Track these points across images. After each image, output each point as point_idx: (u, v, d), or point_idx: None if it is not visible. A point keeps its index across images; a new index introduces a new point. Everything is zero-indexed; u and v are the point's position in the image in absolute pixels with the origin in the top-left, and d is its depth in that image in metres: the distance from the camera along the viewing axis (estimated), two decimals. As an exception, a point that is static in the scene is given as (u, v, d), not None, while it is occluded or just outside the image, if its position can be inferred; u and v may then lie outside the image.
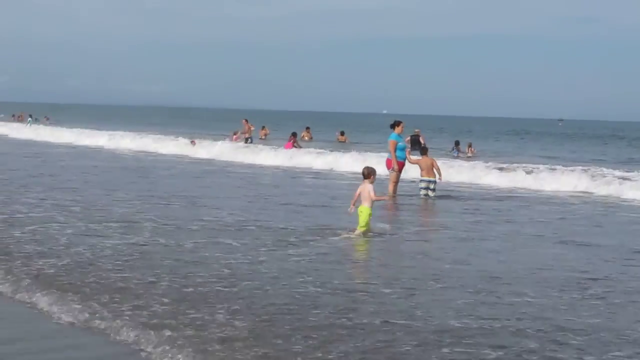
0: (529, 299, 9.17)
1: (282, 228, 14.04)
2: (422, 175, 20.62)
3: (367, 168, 13.94)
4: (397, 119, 21.65)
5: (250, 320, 8.01)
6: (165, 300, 8.73)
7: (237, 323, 7.88)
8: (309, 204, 18.21)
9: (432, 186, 20.37)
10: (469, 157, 37.73)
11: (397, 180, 20.91)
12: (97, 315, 8.22)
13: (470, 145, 41.26)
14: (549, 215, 17.56)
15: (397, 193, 20.68)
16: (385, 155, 22.32)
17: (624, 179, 23.73)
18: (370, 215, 13.38)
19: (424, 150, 21.33)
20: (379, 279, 10.16)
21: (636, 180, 23.33)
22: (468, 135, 64.81)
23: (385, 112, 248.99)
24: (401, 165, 20.85)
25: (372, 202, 13.40)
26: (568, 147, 57.39)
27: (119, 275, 9.92)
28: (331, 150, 34.82)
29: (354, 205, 13.60)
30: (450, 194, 21.40)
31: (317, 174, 27.60)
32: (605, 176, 24.55)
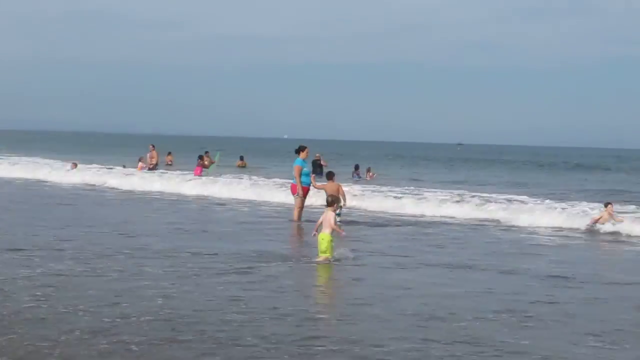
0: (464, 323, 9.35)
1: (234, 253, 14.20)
2: (327, 200, 20.53)
3: (331, 196, 14.43)
4: (302, 144, 21.75)
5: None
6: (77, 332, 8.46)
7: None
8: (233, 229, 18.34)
9: (337, 211, 20.32)
10: (368, 181, 38.09)
11: (302, 206, 20.95)
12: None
13: (369, 170, 41.64)
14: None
15: (302, 219, 20.65)
16: (290, 180, 22.30)
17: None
18: (331, 241, 13.64)
19: (329, 175, 21.33)
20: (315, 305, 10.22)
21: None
22: (365, 160, 65.44)
23: (286, 136, 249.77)
24: (306, 191, 20.90)
25: (332, 229, 13.64)
26: (463, 172, 58.52)
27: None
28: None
29: (316, 231, 13.86)
30: (353, 220, 21.44)
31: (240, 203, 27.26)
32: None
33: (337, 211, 20.49)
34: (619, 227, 20.19)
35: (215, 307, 9.83)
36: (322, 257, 13.65)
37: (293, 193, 21.20)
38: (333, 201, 14.18)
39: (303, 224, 20.22)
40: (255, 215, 22.53)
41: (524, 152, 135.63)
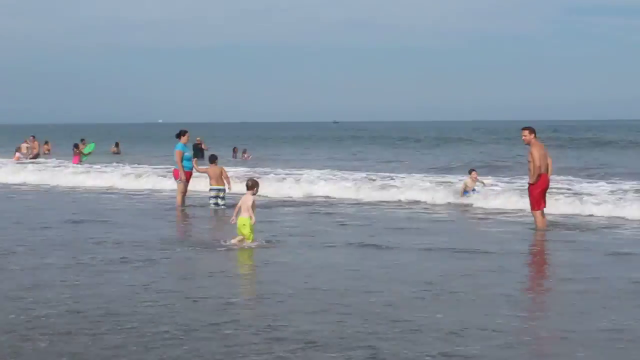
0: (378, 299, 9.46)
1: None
2: (211, 184, 20.46)
3: (251, 180, 14.07)
4: (183, 129, 21.50)
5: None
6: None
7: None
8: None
9: (221, 194, 20.27)
10: (244, 162, 38.18)
11: (185, 191, 20.77)
12: None
13: (245, 152, 41.56)
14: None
15: (186, 204, 20.53)
16: (172, 166, 22.05)
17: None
18: (252, 225, 13.39)
19: (212, 159, 21.18)
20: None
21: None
22: (243, 141, 65.34)
23: (160, 121, 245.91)
24: (188, 175, 20.72)
25: (253, 212, 13.42)
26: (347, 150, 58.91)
27: None
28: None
29: (235, 216, 13.57)
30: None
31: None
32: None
33: (222, 194, 20.55)
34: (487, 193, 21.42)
35: (126, 297, 9.60)
36: (237, 239, 13.50)
37: (175, 178, 21.02)
38: (253, 185, 13.90)
39: (188, 208, 20.13)
40: (148, 203, 22.21)
41: (399, 129, 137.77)
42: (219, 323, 8.38)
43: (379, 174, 28.66)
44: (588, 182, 24.98)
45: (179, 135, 20.97)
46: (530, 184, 15.99)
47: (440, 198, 21.94)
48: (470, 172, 22.55)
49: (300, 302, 9.41)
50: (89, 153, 40.70)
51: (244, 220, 13.47)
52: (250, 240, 13.47)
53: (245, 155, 40.84)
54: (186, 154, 20.81)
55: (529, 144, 16.05)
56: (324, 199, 22.93)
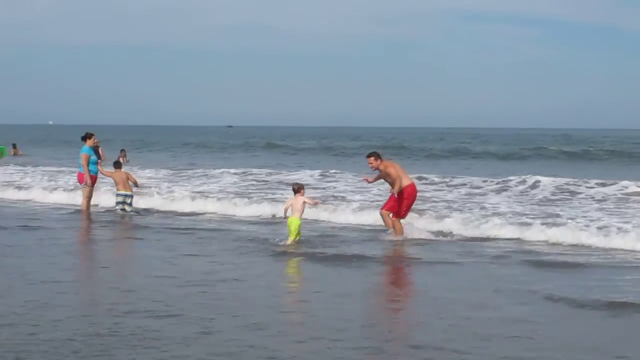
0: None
1: None
2: (118, 189, 20.29)
3: (296, 184, 15.59)
4: (89, 132, 21.20)
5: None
6: None
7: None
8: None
9: (128, 200, 20.18)
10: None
11: (90, 195, 20.53)
12: None
13: (123, 153, 40.08)
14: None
15: (90, 209, 20.34)
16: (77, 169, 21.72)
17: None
18: (299, 225, 14.83)
19: (117, 165, 21.06)
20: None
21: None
22: (131, 144, 64.12)
23: (51, 122, 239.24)
24: (94, 179, 20.48)
25: (302, 213, 14.93)
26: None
27: None
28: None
29: (285, 216, 15.03)
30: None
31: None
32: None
33: (129, 200, 20.35)
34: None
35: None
36: (290, 240, 14.66)
37: (80, 182, 20.73)
38: (300, 188, 15.15)
39: (93, 214, 19.97)
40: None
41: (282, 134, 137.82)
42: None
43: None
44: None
45: (85, 138, 20.69)
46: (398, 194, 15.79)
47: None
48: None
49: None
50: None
51: (294, 220, 14.72)
52: (297, 237, 14.72)
53: (124, 158, 39.26)
54: (92, 157, 20.53)
55: (377, 169, 16.06)
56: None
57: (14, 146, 49.70)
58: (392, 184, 15.92)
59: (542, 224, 16.64)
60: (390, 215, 15.86)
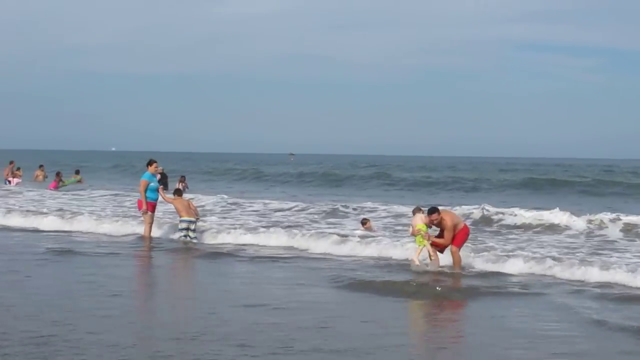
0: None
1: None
2: (181, 216, 19.95)
3: (417, 208, 16.29)
4: (152, 158, 21.03)
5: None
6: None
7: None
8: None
9: (192, 226, 19.84)
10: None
11: (151, 222, 20.33)
12: None
13: (184, 181, 39.39)
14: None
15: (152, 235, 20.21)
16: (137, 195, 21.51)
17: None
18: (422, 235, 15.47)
19: (177, 191, 20.84)
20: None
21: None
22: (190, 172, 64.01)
23: (114, 149, 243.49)
24: (152, 206, 20.23)
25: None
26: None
27: None
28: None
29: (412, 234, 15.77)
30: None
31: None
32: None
33: (192, 227, 20.03)
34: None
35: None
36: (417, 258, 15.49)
37: (139, 209, 20.53)
38: (417, 209, 16.14)
39: (154, 240, 19.83)
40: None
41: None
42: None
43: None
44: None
45: (148, 164, 20.57)
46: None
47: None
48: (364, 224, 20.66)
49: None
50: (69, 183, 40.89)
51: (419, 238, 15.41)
52: (421, 246, 15.40)
53: (183, 184, 38.67)
54: (152, 184, 20.29)
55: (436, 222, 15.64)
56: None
57: (77, 172, 50.10)
58: (442, 231, 15.54)
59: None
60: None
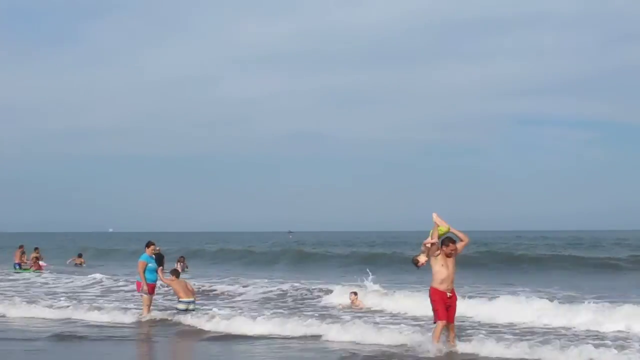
0: None
1: None
2: (180, 297, 19.99)
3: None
4: (150, 240, 21.24)
5: None
6: None
7: None
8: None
9: (191, 307, 19.85)
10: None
11: (149, 303, 20.38)
12: None
13: (183, 262, 39.07)
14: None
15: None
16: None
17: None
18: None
19: (175, 272, 20.91)
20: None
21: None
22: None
23: (111, 230, 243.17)
24: (152, 288, 20.29)
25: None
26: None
27: None
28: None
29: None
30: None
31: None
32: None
33: (192, 307, 19.94)
34: None
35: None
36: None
37: (138, 290, 20.64)
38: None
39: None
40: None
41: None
42: None
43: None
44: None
45: (146, 245, 20.72)
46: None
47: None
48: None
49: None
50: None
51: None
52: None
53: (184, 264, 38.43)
54: (150, 265, 20.39)
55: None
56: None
57: (79, 255, 50.22)
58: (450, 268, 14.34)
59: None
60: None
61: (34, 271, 39.00)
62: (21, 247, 43.34)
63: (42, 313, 21.72)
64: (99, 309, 21.80)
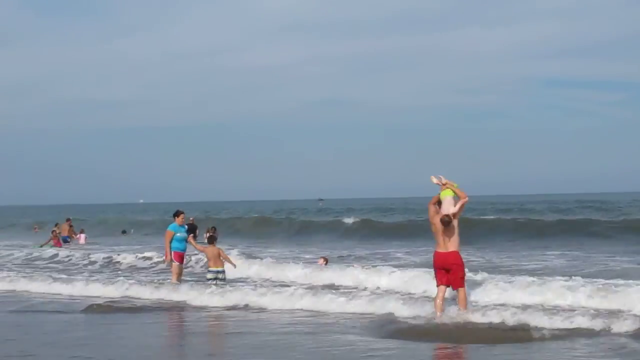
0: None
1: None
2: (209, 266, 19.76)
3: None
4: (179, 209, 21.05)
5: None
6: None
7: None
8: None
9: (220, 276, 19.55)
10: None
11: (179, 272, 20.25)
12: None
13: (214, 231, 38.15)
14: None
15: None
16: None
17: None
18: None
19: (211, 239, 20.57)
20: None
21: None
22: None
23: (141, 201, 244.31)
24: (180, 256, 20.14)
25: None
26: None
27: None
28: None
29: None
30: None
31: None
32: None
33: (220, 276, 19.60)
34: None
35: None
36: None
37: (166, 259, 20.63)
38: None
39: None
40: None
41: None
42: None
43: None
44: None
45: (175, 215, 20.53)
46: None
47: None
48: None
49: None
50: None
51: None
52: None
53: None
54: (177, 234, 20.17)
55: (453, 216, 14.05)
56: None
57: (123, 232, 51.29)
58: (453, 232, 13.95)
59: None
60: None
61: (52, 246, 36.17)
62: (68, 220, 43.18)
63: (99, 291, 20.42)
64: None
